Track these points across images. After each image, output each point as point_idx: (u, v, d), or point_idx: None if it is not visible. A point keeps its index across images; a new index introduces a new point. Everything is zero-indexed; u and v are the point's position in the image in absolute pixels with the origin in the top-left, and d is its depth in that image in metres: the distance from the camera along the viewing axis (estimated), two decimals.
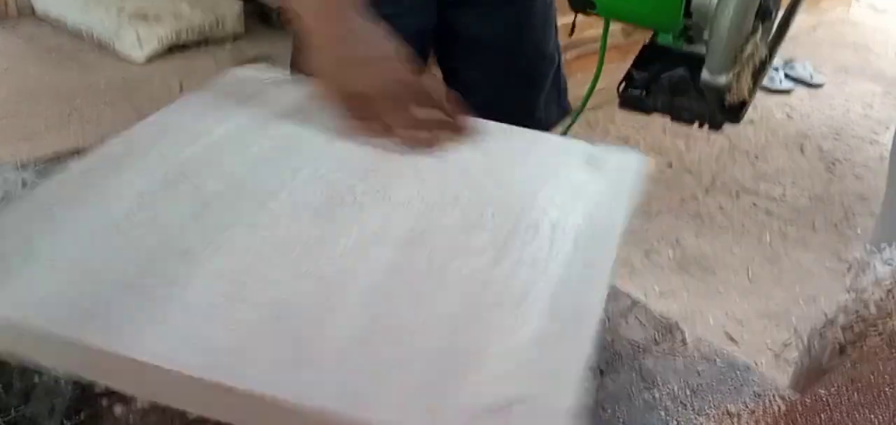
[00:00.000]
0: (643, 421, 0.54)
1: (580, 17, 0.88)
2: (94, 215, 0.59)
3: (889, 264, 0.68)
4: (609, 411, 0.54)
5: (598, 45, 0.91)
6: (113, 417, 0.51)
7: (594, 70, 0.94)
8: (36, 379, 0.52)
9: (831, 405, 0.52)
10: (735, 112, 0.83)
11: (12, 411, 0.50)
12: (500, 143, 0.73)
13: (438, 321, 0.51)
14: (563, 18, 1.05)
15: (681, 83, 0.85)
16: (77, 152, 0.69)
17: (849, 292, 0.66)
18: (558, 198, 0.64)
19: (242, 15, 3.27)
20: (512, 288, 0.54)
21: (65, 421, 0.50)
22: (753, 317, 2.06)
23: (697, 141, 2.80)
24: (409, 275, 0.55)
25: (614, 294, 0.65)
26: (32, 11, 3.18)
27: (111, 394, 0.52)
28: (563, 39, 1.23)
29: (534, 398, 0.46)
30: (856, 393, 0.53)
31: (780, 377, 0.68)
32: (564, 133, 1.12)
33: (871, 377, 0.54)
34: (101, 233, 0.57)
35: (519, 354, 0.49)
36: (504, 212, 0.62)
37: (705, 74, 0.80)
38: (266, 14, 3.43)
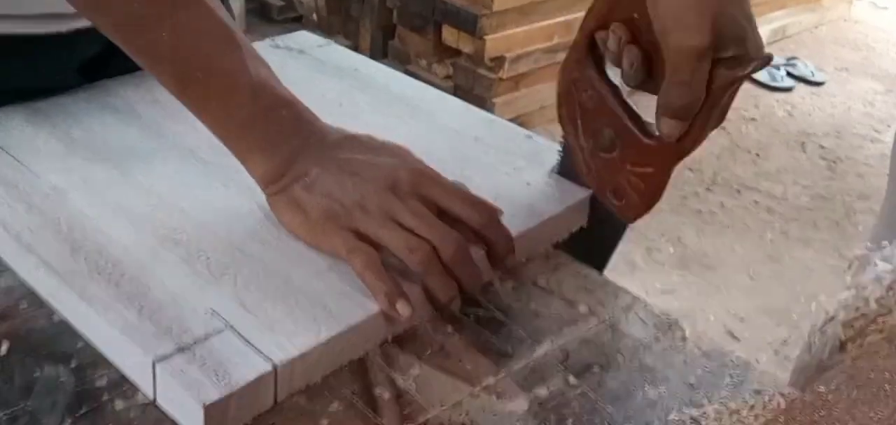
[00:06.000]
0: (643, 417, 0.54)
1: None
2: None
3: (889, 261, 0.68)
4: (609, 408, 0.54)
5: None
6: (114, 412, 0.51)
7: None
8: (37, 374, 0.53)
9: (831, 401, 0.52)
10: None
11: (14, 406, 0.50)
12: None
13: None
14: None
15: None
16: None
17: (849, 289, 0.66)
18: None
19: (244, 12, 3.27)
20: None
21: (66, 417, 0.50)
22: (754, 315, 2.07)
23: None
24: None
25: (614, 290, 0.65)
26: None
27: (112, 390, 0.52)
28: None
29: None
30: (855, 390, 0.53)
31: (781, 374, 0.68)
32: None
33: (871, 374, 0.55)
34: None
35: None
36: None
37: None
38: (267, 11, 3.43)
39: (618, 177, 0.66)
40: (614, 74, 0.65)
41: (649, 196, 0.65)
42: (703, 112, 0.60)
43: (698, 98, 0.59)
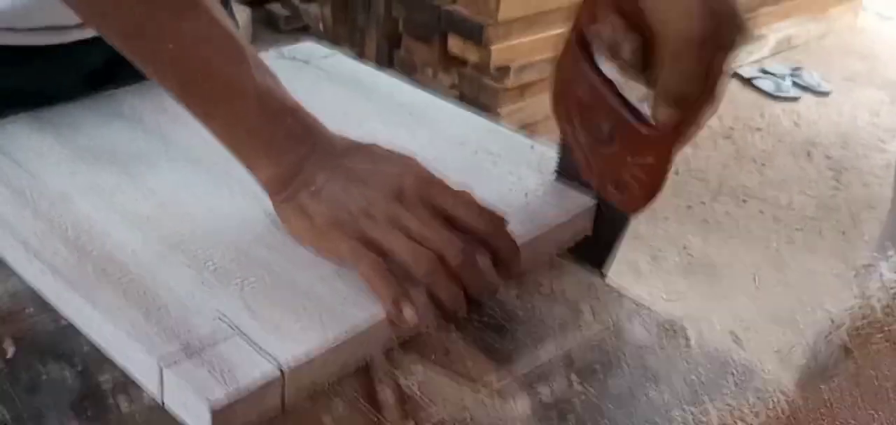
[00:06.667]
0: (646, 419, 0.54)
1: None
2: None
3: (895, 268, 0.68)
4: (612, 409, 0.54)
5: None
6: (120, 414, 0.51)
7: None
8: (43, 376, 0.53)
9: (834, 405, 0.52)
10: None
11: (19, 405, 0.51)
12: None
13: None
14: None
15: None
16: None
17: (855, 297, 0.67)
18: None
19: (250, 22, 3.28)
20: None
21: (72, 418, 0.50)
22: (760, 322, 2.06)
23: (704, 147, 2.80)
24: None
25: (618, 295, 0.66)
26: None
27: (118, 391, 0.53)
28: None
29: None
30: (859, 393, 0.53)
31: (786, 380, 0.68)
32: None
33: (875, 380, 0.55)
34: None
35: None
36: None
37: None
38: (274, 21, 3.44)
39: (618, 169, 0.65)
40: (607, 69, 0.64)
41: (650, 186, 0.65)
42: (701, 98, 0.60)
43: (700, 85, 0.59)
